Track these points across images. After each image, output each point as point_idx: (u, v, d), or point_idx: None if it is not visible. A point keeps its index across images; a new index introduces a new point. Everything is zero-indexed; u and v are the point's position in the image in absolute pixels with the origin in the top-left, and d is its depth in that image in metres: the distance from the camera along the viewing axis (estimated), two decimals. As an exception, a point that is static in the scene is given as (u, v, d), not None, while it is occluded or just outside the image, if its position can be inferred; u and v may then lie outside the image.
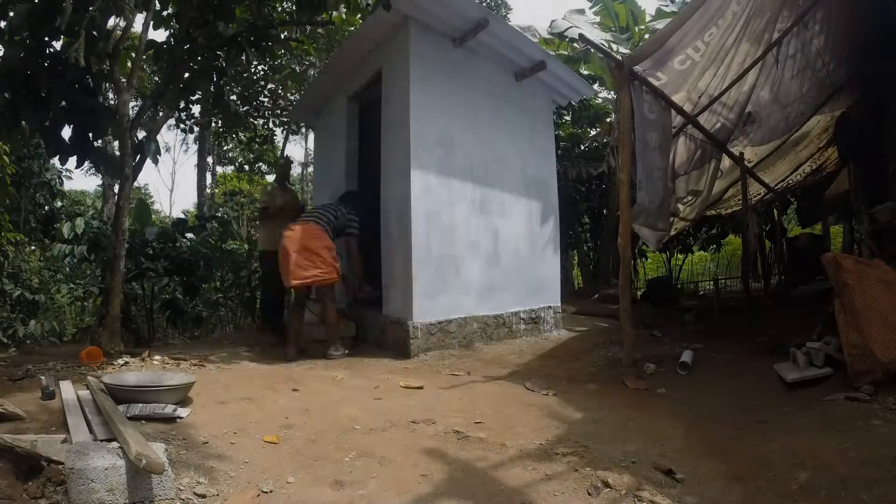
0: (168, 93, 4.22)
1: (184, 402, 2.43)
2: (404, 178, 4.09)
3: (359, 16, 6.44)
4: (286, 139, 14.49)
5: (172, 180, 39.04)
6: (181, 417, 2.23)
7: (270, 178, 19.72)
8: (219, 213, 14.78)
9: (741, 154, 5.24)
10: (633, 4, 8.80)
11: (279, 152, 14.94)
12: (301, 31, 6.52)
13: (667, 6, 9.18)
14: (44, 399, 2.31)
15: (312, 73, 9.02)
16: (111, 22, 3.56)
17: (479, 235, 4.53)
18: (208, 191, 16.06)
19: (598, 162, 8.48)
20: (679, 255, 10.74)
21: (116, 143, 4.20)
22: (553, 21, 9.02)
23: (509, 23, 7.30)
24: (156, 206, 21.76)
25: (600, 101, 9.54)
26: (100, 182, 12.92)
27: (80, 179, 50.65)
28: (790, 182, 7.35)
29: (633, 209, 3.42)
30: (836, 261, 2.62)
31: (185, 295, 5.77)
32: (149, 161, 4.15)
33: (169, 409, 2.24)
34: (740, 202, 5.92)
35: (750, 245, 6.11)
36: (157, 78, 8.17)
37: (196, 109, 7.99)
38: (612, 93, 8.82)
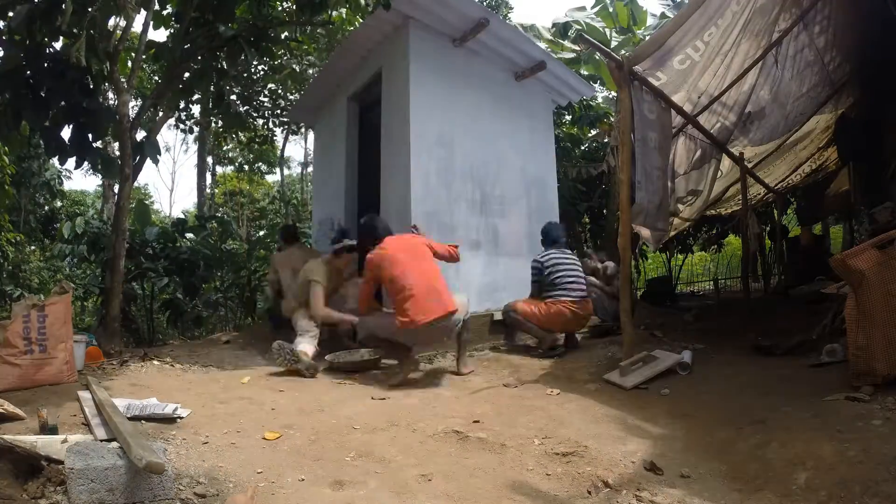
0: (168, 93, 4.22)
1: (184, 402, 2.44)
2: (404, 178, 4.09)
3: (359, 15, 6.44)
4: (286, 139, 14.49)
5: (172, 180, 39.15)
6: (181, 417, 2.23)
7: (270, 178, 19.69)
8: (219, 213, 14.79)
9: (741, 154, 5.24)
10: (634, 5, 8.80)
11: (279, 152, 14.95)
12: (301, 31, 6.53)
13: (668, 4, 9.20)
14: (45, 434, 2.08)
15: (312, 72, 9.02)
16: (111, 22, 3.57)
17: (479, 235, 4.53)
18: (208, 191, 16.05)
19: (598, 162, 8.48)
20: (679, 255, 10.74)
21: (116, 144, 4.20)
22: (554, 20, 9.04)
23: (510, 22, 7.31)
24: (156, 206, 21.80)
25: (600, 100, 9.54)
26: (100, 182, 12.92)
27: (80, 179, 50.65)
28: (790, 182, 7.35)
29: (632, 209, 3.42)
30: (846, 263, 2.59)
31: (185, 295, 5.77)
32: (149, 161, 4.16)
33: (169, 408, 2.24)
34: (740, 202, 5.92)
35: (750, 245, 6.11)
36: (157, 78, 8.17)
37: (196, 109, 8.00)
38: (613, 93, 8.83)
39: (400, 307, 3.13)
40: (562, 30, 8.71)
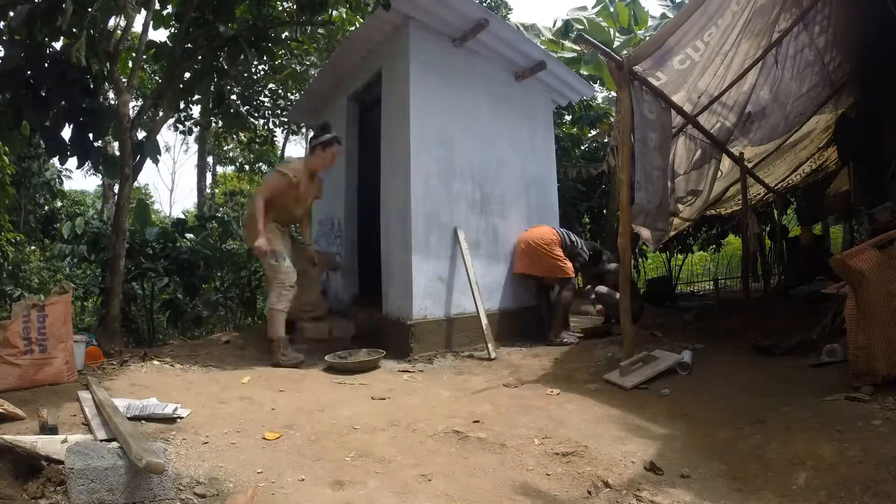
0: (168, 93, 4.22)
1: (184, 402, 2.44)
2: (404, 178, 4.09)
3: (359, 15, 6.45)
4: (286, 139, 14.49)
5: (172, 180, 39.09)
6: (181, 417, 2.23)
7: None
8: (219, 213, 14.79)
9: (741, 154, 5.24)
10: (635, 6, 8.80)
11: (279, 152, 14.94)
12: (301, 30, 6.53)
13: (668, 5, 9.20)
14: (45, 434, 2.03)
15: (313, 72, 9.02)
16: (111, 22, 3.57)
17: (479, 235, 4.52)
18: (208, 191, 16.06)
19: (598, 162, 8.49)
20: (679, 255, 10.74)
21: (116, 144, 4.20)
22: (555, 20, 9.06)
23: (509, 23, 7.31)
24: (156, 206, 21.78)
25: (600, 100, 9.54)
26: (100, 182, 12.92)
27: (80, 179, 50.67)
28: (790, 182, 7.36)
29: (632, 209, 3.42)
30: (846, 263, 2.59)
31: (185, 295, 5.76)
32: (149, 161, 4.16)
33: (169, 409, 2.24)
34: (740, 202, 5.92)
35: (750, 245, 6.11)
36: (157, 78, 8.17)
37: (196, 110, 8.01)
38: (613, 93, 8.82)
39: None
40: (563, 29, 8.71)
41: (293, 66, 8.96)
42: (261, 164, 17.02)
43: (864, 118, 5.61)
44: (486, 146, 4.65)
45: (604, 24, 8.84)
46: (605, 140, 8.86)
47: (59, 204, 11.01)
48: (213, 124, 9.15)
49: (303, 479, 1.72)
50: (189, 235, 6.08)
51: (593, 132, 9.47)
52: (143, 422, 2.14)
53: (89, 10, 2.98)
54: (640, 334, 4.10)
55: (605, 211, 9.14)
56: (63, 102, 3.30)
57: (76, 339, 2.87)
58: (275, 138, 10.61)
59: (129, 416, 2.13)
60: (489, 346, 3.93)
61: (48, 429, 1.92)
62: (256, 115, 8.96)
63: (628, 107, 3.26)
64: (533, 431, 2.25)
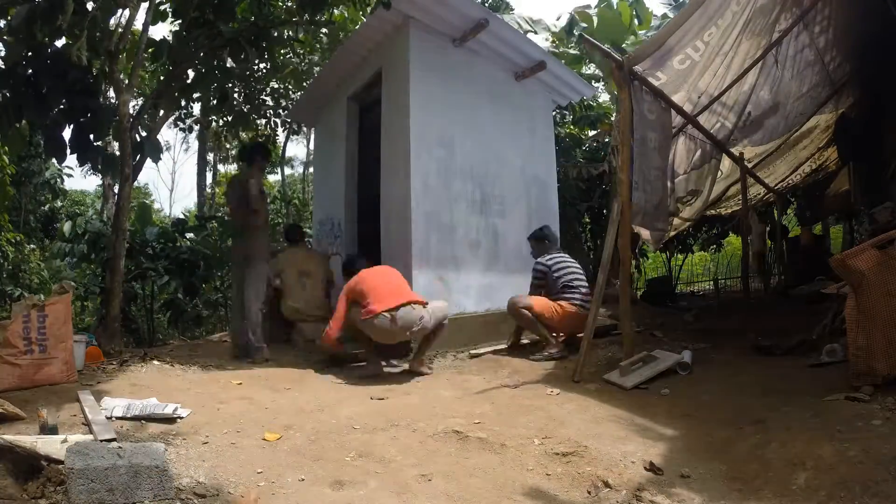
0: (169, 92, 4.22)
1: (184, 402, 2.44)
2: (404, 178, 4.09)
3: (361, 13, 6.44)
4: (287, 139, 14.46)
5: (172, 180, 38.98)
6: (181, 417, 2.23)
7: (272, 177, 19.60)
8: (219, 212, 14.76)
9: (741, 154, 5.23)
10: (638, 5, 8.78)
11: (280, 152, 14.91)
12: (303, 29, 6.52)
13: (670, 4, 9.19)
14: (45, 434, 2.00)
15: (316, 71, 9.00)
16: (112, 21, 3.56)
17: (479, 235, 4.52)
18: (208, 190, 16.02)
19: (598, 162, 8.48)
20: (679, 255, 10.73)
21: (116, 144, 4.20)
22: (559, 15, 9.05)
23: (514, 18, 7.30)
24: (156, 206, 21.75)
25: (604, 99, 9.54)
26: (100, 182, 12.89)
27: (80, 179, 50.67)
28: (790, 182, 7.35)
29: (631, 209, 3.42)
30: (846, 263, 2.58)
31: (185, 295, 5.76)
32: (149, 161, 4.16)
33: (169, 409, 2.24)
34: (740, 202, 5.92)
35: (752, 245, 6.11)
36: (160, 77, 8.16)
37: (196, 109, 7.99)
38: (614, 92, 8.81)
39: (365, 307, 3.27)
40: (567, 28, 8.68)
41: (295, 64, 8.94)
42: (261, 163, 16.89)
43: (864, 118, 5.61)
44: (486, 146, 4.65)
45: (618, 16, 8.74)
46: (606, 140, 8.85)
47: (59, 203, 11.01)
48: (214, 123, 9.14)
49: (303, 480, 1.72)
50: (189, 235, 6.08)
51: (593, 132, 9.45)
52: (143, 422, 2.14)
53: (89, 9, 2.98)
54: (640, 334, 4.10)
55: (605, 211, 9.12)
56: (63, 102, 3.30)
57: (76, 339, 2.87)
58: (276, 137, 10.60)
59: (129, 415, 2.13)
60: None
61: (48, 429, 1.91)
62: (258, 114, 8.95)
63: (628, 107, 3.25)
64: (533, 431, 2.25)
